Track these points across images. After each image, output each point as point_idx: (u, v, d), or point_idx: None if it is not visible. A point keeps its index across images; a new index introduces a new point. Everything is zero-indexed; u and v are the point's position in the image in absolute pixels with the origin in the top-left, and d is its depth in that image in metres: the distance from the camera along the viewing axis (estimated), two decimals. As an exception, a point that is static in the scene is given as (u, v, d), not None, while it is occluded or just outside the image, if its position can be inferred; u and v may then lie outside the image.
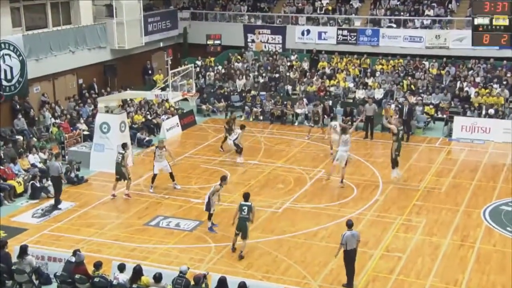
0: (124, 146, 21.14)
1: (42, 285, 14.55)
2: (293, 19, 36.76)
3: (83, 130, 26.22)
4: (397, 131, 21.53)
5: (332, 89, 32.12)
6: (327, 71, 33.73)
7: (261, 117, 30.46)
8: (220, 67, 35.63)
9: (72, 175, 22.11)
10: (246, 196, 16.51)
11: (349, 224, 14.77)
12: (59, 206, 19.90)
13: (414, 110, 27.92)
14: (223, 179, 18.24)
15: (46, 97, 28.14)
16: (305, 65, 34.70)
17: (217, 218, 18.89)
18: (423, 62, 33.23)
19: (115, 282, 13.48)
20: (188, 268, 13.64)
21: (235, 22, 37.87)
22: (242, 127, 24.43)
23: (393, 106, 28.90)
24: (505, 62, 31.61)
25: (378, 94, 30.78)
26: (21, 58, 26.16)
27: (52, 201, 20.28)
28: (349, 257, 14.76)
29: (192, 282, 13.04)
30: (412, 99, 29.31)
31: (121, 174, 20.59)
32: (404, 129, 26.79)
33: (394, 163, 21.62)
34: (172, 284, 13.17)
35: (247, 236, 16.37)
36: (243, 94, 32.37)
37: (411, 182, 22.14)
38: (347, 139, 21.33)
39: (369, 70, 33.40)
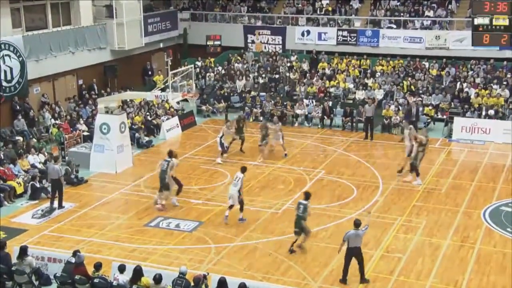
0: (170, 153, 19.87)
1: (42, 286, 14.54)
2: (293, 20, 36.76)
3: (83, 131, 26.21)
4: (426, 142, 21.80)
5: (332, 90, 32.13)
6: (327, 72, 33.73)
7: (261, 118, 30.45)
8: (220, 68, 35.64)
9: (72, 176, 22.09)
10: (306, 195, 16.82)
11: (356, 223, 14.95)
12: (63, 204, 19.94)
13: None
14: (244, 170, 18.63)
15: (46, 98, 28.14)
16: (305, 66, 34.71)
17: (217, 219, 18.94)
18: (423, 63, 33.23)
19: (115, 283, 13.46)
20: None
21: (235, 23, 37.88)
22: (226, 122, 24.80)
23: (392, 107, 28.94)
24: (505, 63, 31.59)
25: (378, 95, 30.78)
26: (21, 58, 26.15)
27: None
28: (351, 255, 14.90)
29: (192, 283, 13.04)
30: (412, 100, 29.33)
31: (163, 183, 19.37)
32: None
33: (413, 169, 21.80)
34: (172, 285, 13.15)
35: (305, 231, 16.61)
36: (243, 95, 32.38)
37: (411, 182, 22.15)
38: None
39: (369, 71, 33.41)
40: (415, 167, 21.81)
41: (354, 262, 15.11)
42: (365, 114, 27.56)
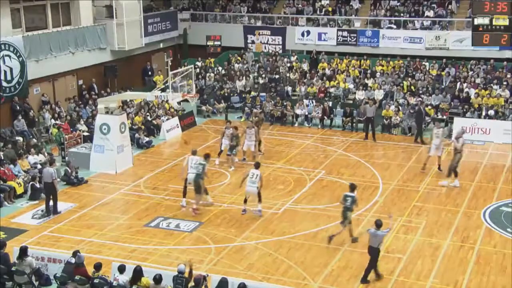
0: (206, 157, 19.59)
1: (42, 286, 14.57)
2: (293, 20, 36.76)
3: (83, 131, 26.20)
4: (462, 147, 21.70)
5: (332, 90, 32.13)
6: (327, 72, 33.73)
7: (261, 118, 30.46)
8: (220, 68, 35.63)
9: (72, 176, 22.08)
10: (352, 187, 17.14)
11: (377, 224, 15.09)
12: (58, 210, 19.62)
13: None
14: (258, 165, 19.03)
15: (46, 98, 28.15)
16: (305, 66, 34.71)
17: (217, 219, 18.96)
18: (423, 63, 33.21)
19: (115, 283, 13.47)
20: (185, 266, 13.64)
21: (235, 23, 37.89)
22: (227, 123, 25.08)
23: (392, 107, 28.93)
24: (505, 63, 31.58)
25: (378, 95, 30.78)
26: (21, 59, 26.15)
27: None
28: (369, 252, 15.12)
29: (192, 284, 13.04)
30: (412, 100, 29.33)
31: (198, 186, 19.13)
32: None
33: (451, 172, 21.64)
34: (173, 283, 13.17)
35: (346, 224, 17.02)
36: (243, 95, 32.38)
37: (411, 183, 22.15)
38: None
39: (369, 71, 33.40)
40: (453, 169, 21.56)
41: (362, 261, 15.19)
42: (366, 114, 27.53)
